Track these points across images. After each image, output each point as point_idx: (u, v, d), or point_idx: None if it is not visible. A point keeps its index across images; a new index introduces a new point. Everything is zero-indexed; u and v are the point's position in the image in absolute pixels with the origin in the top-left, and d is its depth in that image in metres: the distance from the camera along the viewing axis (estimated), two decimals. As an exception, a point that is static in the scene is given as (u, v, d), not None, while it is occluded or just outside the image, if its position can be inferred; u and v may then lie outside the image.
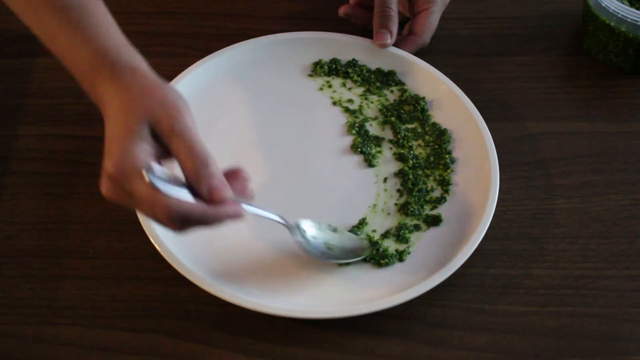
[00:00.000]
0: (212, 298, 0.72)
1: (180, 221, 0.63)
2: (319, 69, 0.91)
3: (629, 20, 0.87)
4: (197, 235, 0.77)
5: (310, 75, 0.91)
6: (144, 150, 0.62)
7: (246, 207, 0.67)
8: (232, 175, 0.67)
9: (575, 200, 0.82)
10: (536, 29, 0.98)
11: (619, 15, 0.88)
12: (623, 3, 0.89)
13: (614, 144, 0.87)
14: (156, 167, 0.63)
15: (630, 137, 0.87)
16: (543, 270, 0.77)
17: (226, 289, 0.72)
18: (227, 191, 0.64)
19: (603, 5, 0.88)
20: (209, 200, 0.63)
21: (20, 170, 0.83)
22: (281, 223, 0.73)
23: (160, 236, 0.74)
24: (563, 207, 0.81)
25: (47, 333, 0.72)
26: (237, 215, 0.65)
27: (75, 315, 0.73)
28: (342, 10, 0.95)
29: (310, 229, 0.76)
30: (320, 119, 0.87)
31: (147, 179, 0.61)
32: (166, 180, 0.62)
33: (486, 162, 0.81)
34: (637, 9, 0.89)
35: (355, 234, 0.77)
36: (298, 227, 0.75)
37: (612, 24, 0.89)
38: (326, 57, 0.91)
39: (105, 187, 0.63)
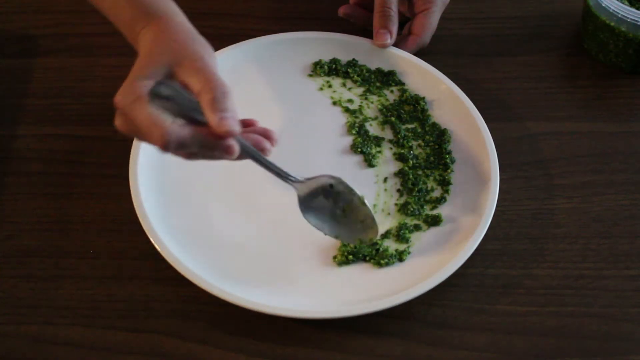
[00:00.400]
0: (212, 298, 0.72)
1: (176, 145, 0.64)
2: (319, 69, 0.91)
3: (629, 20, 0.87)
4: (197, 236, 0.77)
5: (310, 75, 0.91)
6: (149, 84, 0.65)
7: (254, 155, 0.69)
8: (255, 129, 0.71)
9: (575, 200, 0.82)
10: (536, 29, 0.98)
11: (619, 15, 0.88)
12: (623, 3, 0.89)
13: (614, 144, 0.87)
14: (161, 88, 0.65)
15: (630, 137, 0.87)
16: (543, 270, 0.77)
17: (226, 289, 0.72)
18: (235, 125, 0.65)
19: (603, 5, 0.88)
20: (215, 129, 0.64)
21: (20, 170, 0.83)
22: (287, 182, 0.73)
23: (161, 236, 0.74)
24: (563, 207, 0.81)
25: (47, 333, 0.72)
26: (229, 149, 0.65)
27: (75, 315, 0.73)
28: (342, 10, 0.95)
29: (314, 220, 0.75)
30: (320, 119, 0.87)
31: (146, 102, 0.64)
32: (170, 105, 0.65)
33: (486, 162, 0.81)
34: (637, 9, 0.90)
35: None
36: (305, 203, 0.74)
37: (612, 24, 0.89)
38: (326, 57, 0.91)
39: (117, 120, 0.67)
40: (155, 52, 0.67)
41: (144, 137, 0.66)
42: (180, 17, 0.71)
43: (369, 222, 0.75)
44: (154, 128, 0.64)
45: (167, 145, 0.64)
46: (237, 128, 0.65)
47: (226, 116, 0.64)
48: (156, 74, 0.66)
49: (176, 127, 0.64)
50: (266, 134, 0.71)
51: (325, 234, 0.75)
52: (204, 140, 0.65)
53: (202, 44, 0.69)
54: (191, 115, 0.65)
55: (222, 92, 0.65)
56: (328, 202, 0.75)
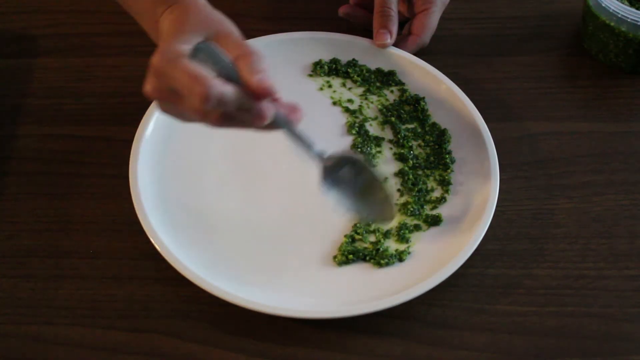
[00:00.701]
0: (212, 298, 0.72)
1: (216, 100, 0.64)
2: (319, 69, 0.91)
3: (629, 20, 0.87)
4: (197, 235, 0.77)
5: (310, 75, 0.91)
6: (188, 47, 0.66)
7: (285, 124, 0.70)
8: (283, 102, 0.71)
9: (575, 200, 0.82)
10: (536, 29, 0.98)
11: (619, 15, 0.88)
12: (623, 3, 0.89)
13: (614, 144, 0.87)
14: (200, 52, 0.66)
15: (630, 137, 0.87)
16: (543, 270, 0.77)
17: (226, 289, 0.72)
18: (273, 85, 0.66)
19: (603, 5, 0.88)
20: (255, 89, 0.65)
21: (20, 170, 0.83)
22: (312, 153, 0.73)
23: (161, 236, 0.74)
24: (563, 207, 0.81)
25: (47, 333, 0.72)
26: (263, 112, 0.67)
27: (75, 315, 0.73)
28: (342, 10, 0.95)
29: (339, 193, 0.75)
30: (320, 119, 0.87)
31: (188, 59, 0.65)
32: (210, 66, 0.66)
33: (486, 162, 0.81)
34: (637, 9, 0.90)
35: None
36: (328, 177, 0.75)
37: (612, 24, 0.89)
38: (326, 57, 0.91)
39: (149, 84, 0.66)
40: (187, 23, 0.67)
41: (184, 91, 0.65)
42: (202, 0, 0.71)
43: (388, 203, 0.75)
44: (195, 81, 0.63)
45: (208, 98, 0.63)
46: (274, 88, 0.66)
47: (265, 77, 0.66)
48: (192, 41, 0.66)
49: (218, 81, 0.64)
50: (294, 107, 0.71)
51: (343, 211, 0.75)
52: (242, 100, 0.66)
53: (228, 21, 0.70)
54: (230, 77, 0.66)
55: (258, 56, 0.66)
56: (351, 176, 0.75)
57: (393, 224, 0.79)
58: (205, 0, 0.71)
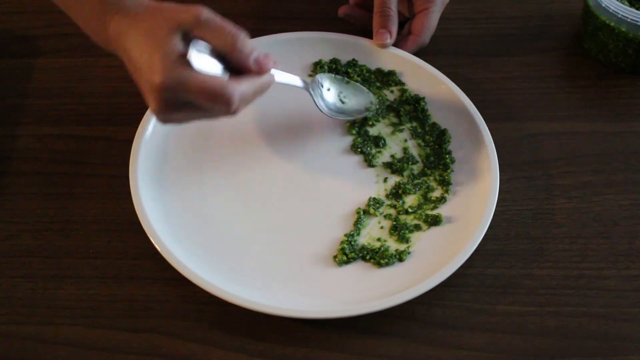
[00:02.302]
0: (212, 298, 0.72)
1: (240, 101, 0.65)
2: (319, 69, 0.91)
3: (629, 20, 0.87)
4: (197, 235, 0.77)
5: (310, 75, 0.91)
6: (178, 53, 0.64)
7: (274, 72, 0.71)
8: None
9: (575, 200, 0.82)
10: (536, 29, 0.98)
11: (619, 16, 0.88)
12: (623, 3, 0.89)
13: (614, 144, 0.87)
14: (192, 51, 0.65)
15: (630, 137, 0.87)
16: (543, 270, 0.77)
17: (226, 289, 0.72)
18: (270, 59, 0.68)
19: (603, 5, 0.88)
20: (257, 71, 0.67)
21: (20, 170, 0.83)
22: (301, 86, 0.80)
23: (161, 236, 0.74)
24: (563, 207, 0.81)
25: (47, 333, 0.72)
26: (272, 81, 0.70)
27: (75, 315, 0.73)
28: (342, 11, 0.95)
29: (325, 81, 0.84)
30: (320, 118, 0.87)
31: (192, 69, 0.63)
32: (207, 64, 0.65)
33: (486, 162, 0.81)
34: (637, 9, 0.90)
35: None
36: (317, 81, 0.83)
37: (612, 24, 0.89)
38: (326, 57, 0.91)
39: (156, 104, 0.65)
40: (159, 29, 0.65)
41: (206, 105, 0.64)
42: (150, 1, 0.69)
43: (367, 105, 0.86)
44: (215, 93, 0.63)
45: (232, 104, 0.64)
46: (270, 58, 0.68)
47: (257, 56, 0.67)
48: (176, 44, 0.64)
49: (232, 83, 0.64)
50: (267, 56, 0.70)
51: (348, 118, 0.85)
52: (256, 84, 0.67)
53: (186, 6, 0.67)
54: (225, 65, 0.66)
55: (240, 39, 0.66)
56: (334, 89, 0.85)
57: (391, 223, 0.79)
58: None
